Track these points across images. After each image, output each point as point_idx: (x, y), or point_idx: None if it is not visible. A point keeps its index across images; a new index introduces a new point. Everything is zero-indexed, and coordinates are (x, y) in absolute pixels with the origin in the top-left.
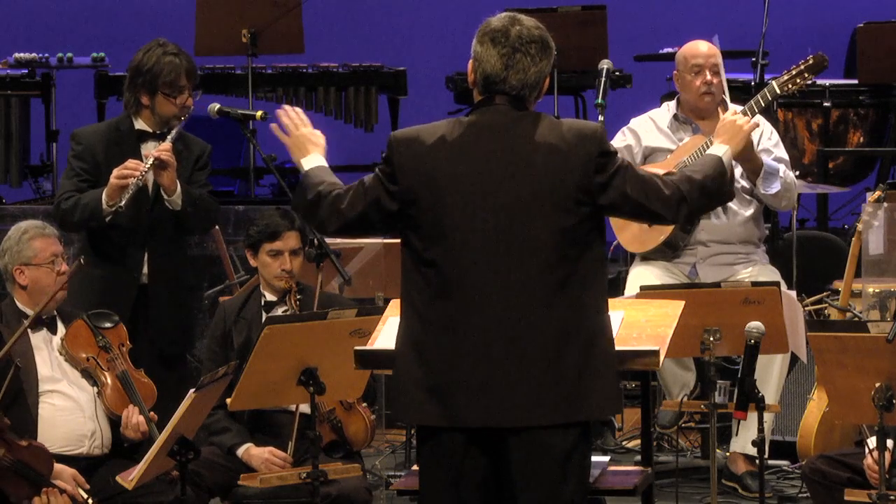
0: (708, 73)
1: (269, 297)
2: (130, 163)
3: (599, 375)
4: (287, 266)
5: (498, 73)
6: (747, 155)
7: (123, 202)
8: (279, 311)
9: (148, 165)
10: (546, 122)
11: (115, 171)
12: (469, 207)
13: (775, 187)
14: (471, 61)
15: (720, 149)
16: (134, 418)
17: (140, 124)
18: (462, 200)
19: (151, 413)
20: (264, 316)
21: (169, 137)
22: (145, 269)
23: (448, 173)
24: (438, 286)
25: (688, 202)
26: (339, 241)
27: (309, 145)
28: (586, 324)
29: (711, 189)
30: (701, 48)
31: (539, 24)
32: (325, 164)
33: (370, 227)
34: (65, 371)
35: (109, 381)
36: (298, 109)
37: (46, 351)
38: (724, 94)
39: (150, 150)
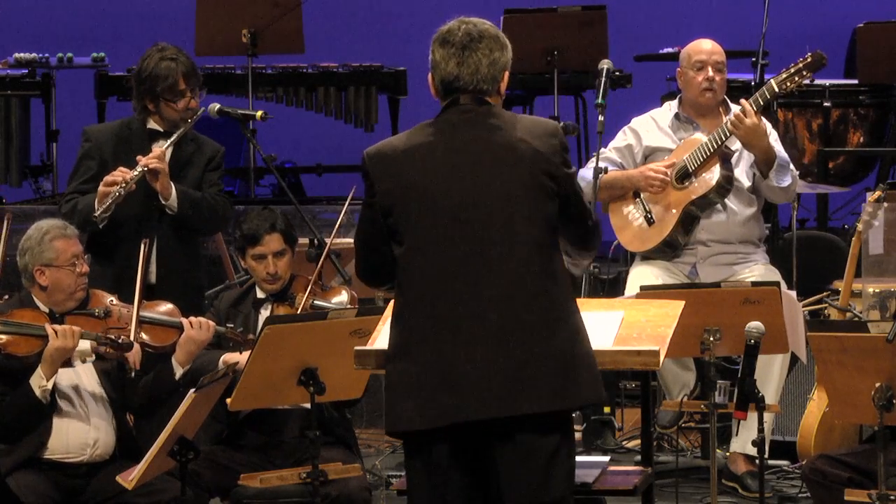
0: (710, 69)
1: (261, 294)
2: (118, 171)
3: (585, 362)
4: (271, 269)
5: (452, 73)
6: (763, 146)
7: (100, 211)
8: (267, 309)
9: (136, 173)
10: (509, 117)
11: (105, 178)
12: (446, 206)
13: (787, 180)
14: (430, 73)
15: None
16: None
17: (152, 124)
18: (438, 200)
19: None
20: (254, 313)
21: (166, 143)
22: (153, 269)
23: (421, 174)
24: (425, 288)
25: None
26: (339, 241)
27: None
28: (569, 312)
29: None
30: (705, 45)
31: (490, 23)
32: None
33: (375, 245)
34: (78, 374)
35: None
36: None
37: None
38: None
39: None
